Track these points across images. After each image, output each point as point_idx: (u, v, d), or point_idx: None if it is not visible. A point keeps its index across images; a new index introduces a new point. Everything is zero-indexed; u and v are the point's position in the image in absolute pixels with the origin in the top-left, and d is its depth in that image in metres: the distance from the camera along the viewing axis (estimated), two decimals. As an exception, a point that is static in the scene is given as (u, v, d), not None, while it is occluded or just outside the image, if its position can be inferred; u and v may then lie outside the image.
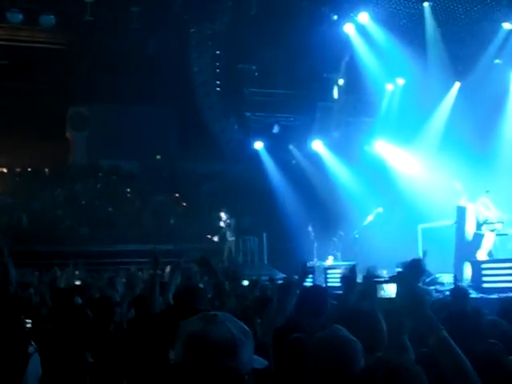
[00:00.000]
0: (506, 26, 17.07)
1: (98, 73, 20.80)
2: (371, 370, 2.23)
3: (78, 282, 11.12)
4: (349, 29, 18.54)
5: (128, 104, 23.05)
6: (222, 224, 19.13)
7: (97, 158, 24.09)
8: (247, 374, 2.00)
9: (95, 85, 21.08)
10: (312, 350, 2.85)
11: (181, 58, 20.60)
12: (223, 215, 19.01)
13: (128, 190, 23.72)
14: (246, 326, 2.05)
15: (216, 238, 19.33)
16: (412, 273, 2.94)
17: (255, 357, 2.06)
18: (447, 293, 6.93)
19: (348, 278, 6.11)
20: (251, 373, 2.02)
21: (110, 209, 22.44)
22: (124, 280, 8.20)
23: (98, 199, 22.55)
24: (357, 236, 17.38)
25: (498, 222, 12.93)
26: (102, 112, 23.89)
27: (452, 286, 4.50)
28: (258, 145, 21.30)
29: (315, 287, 9.01)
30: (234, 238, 18.98)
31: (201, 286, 7.77)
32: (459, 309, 3.88)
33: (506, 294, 6.45)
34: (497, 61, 17.75)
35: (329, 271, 14.67)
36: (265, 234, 19.40)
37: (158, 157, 24.95)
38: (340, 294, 5.58)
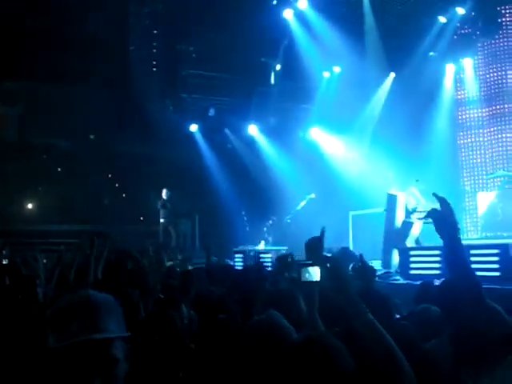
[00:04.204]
0: (442, 19, 17.37)
1: (32, 48, 20.27)
2: (303, 346, 2.32)
3: (5, 262, 10.88)
4: (288, 14, 18.54)
5: (63, 81, 22.54)
6: (158, 203, 18.70)
7: (29, 136, 23.53)
8: None
9: (30, 60, 20.54)
10: (248, 332, 2.91)
11: (119, 36, 20.28)
12: (164, 195, 18.55)
13: (60, 169, 23.27)
14: None
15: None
16: (314, 252, 2.98)
17: None
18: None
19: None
20: None
21: (40, 188, 22.00)
22: (45, 260, 8.03)
23: (29, 178, 22.05)
24: (289, 221, 17.51)
25: (426, 211, 13.21)
26: (36, 88, 23.28)
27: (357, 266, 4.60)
28: (193, 127, 21.18)
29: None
30: (164, 220, 18.66)
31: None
32: (363, 289, 3.95)
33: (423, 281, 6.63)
34: (431, 53, 18.07)
35: (260, 255, 14.73)
36: (197, 217, 19.33)
37: (92, 136, 24.53)
38: None
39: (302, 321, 3.29)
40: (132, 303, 4.70)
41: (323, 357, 2.24)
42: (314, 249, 3.04)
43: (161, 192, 18.59)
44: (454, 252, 3.30)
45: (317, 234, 3.41)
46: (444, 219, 3.29)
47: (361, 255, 4.87)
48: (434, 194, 3.38)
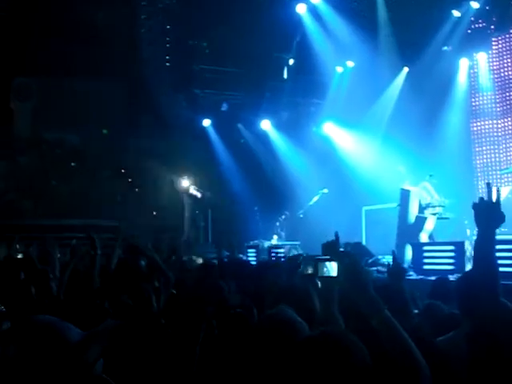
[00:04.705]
0: (456, 13, 17.28)
1: (44, 43, 20.31)
2: (318, 340, 2.30)
3: (19, 256, 10.90)
4: (301, 9, 18.51)
5: (75, 76, 22.59)
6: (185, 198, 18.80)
7: (42, 131, 23.61)
8: None
9: (42, 55, 20.59)
10: (260, 327, 2.93)
11: (130, 31, 20.28)
12: (195, 191, 18.64)
13: (73, 164, 23.34)
14: None
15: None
16: (335, 250, 2.98)
17: None
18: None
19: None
20: None
21: (54, 182, 22.08)
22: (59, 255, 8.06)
23: (41, 172, 22.14)
24: (301, 216, 17.48)
25: (440, 206, 13.21)
26: (48, 83, 23.36)
27: (390, 265, 4.57)
28: (206, 122, 21.19)
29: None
30: (189, 215, 18.80)
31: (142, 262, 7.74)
32: (395, 288, 3.94)
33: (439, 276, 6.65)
34: (445, 48, 17.98)
35: (273, 250, 14.74)
36: (210, 212, 19.33)
37: (105, 131, 24.57)
38: None
39: (315, 316, 3.30)
40: (144, 298, 4.71)
41: (339, 352, 2.22)
42: (331, 251, 3.03)
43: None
44: (486, 244, 3.29)
45: (329, 230, 3.41)
46: (489, 210, 3.26)
47: (393, 252, 4.85)
48: (487, 184, 3.34)
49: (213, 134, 21.19)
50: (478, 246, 3.41)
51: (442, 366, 2.97)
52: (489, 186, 3.32)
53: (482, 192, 17.77)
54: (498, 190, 3.27)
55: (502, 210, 3.28)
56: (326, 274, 2.87)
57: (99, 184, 22.24)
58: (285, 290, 3.77)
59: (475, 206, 3.31)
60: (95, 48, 20.45)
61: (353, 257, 2.73)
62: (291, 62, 20.02)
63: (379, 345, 2.40)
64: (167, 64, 20.47)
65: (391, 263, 4.64)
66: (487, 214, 3.26)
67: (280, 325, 2.88)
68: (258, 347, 2.86)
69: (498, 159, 18.11)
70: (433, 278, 9.42)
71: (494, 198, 3.26)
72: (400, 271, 4.61)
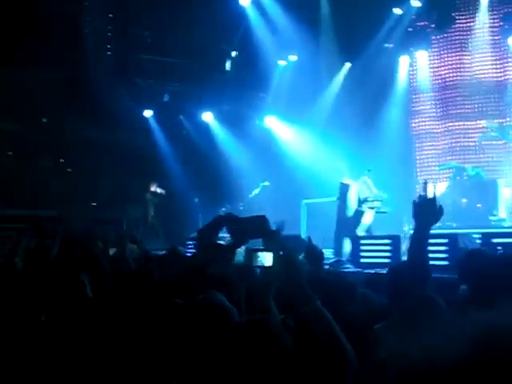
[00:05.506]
0: (397, 11, 17.55)
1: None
2: (244, 327, 2.49)
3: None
4: (244, 1, 18.48)
5: (13, 63, 22.07)
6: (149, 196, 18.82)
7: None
8: None
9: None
10: (190, 312, 2.97)
11: (72, 18, 19.90)
12: (158, 188, 18.66)
13: (10, 153, 22.85)
14: None
15: None
16: (275, 241, 3.02)
17: None
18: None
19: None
20: None
21: (-11, 172, 21.57)
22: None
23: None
24: (242, 208, 17.53)
25: (377, 200, 13.44)
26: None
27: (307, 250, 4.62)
28: (148, 113, 20.98)
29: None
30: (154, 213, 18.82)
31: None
32: (314, 274, 4.03)
33: (377, 270, 6.80)
34: (386, 45, 18.25)
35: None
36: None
37: (44, 120, 24.10)
38: None
39: (242, 304, 3.38)
40: (81, 288, 4.67)
41: (263, 338, 2.39)
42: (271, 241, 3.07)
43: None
44: (421, 239, 3.37)
45: (271, 221, 3.43)
46: (426, 206, 3.34)
47: (309, 238, 4.89)
48: (424, 182, 3.44)
49: (154, 125, 21.00)
50: (413, 240, 3.52)
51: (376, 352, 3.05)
52: (425, 183, 3.42)
53: (419, 187, 18.15)
54: (434, 187, 3.38)
55: (440, 204, 3.37)
56: (260, 264, 2.92)
57: (37, 174, 21.83)
58: (213, 277, 3.81)
59: (414, 203, 3.40)
60: (35, 35, 20.00)
61: (287, 248, 2.79)
62: (234, 54, 19.98)
63: (309, 332, 2.48)
64: (108, 53, 20.19)
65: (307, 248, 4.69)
66: (424, 209, 3.35)
67: (210, 309, 2.94)
68: (189, 331, 2.91)
69: (436, 155, 18.49)
70: (369, 270, 9.59)
71: (430, 195, 3.35)
72: (317, 256, 4.66)
